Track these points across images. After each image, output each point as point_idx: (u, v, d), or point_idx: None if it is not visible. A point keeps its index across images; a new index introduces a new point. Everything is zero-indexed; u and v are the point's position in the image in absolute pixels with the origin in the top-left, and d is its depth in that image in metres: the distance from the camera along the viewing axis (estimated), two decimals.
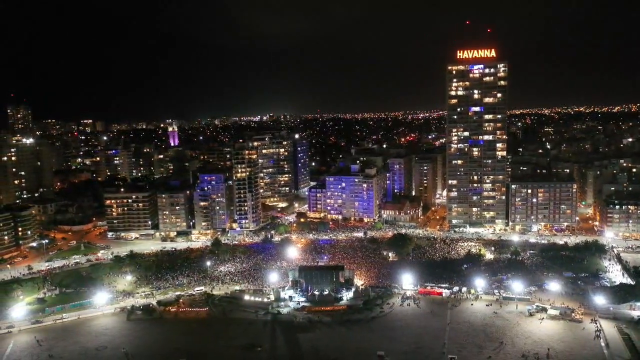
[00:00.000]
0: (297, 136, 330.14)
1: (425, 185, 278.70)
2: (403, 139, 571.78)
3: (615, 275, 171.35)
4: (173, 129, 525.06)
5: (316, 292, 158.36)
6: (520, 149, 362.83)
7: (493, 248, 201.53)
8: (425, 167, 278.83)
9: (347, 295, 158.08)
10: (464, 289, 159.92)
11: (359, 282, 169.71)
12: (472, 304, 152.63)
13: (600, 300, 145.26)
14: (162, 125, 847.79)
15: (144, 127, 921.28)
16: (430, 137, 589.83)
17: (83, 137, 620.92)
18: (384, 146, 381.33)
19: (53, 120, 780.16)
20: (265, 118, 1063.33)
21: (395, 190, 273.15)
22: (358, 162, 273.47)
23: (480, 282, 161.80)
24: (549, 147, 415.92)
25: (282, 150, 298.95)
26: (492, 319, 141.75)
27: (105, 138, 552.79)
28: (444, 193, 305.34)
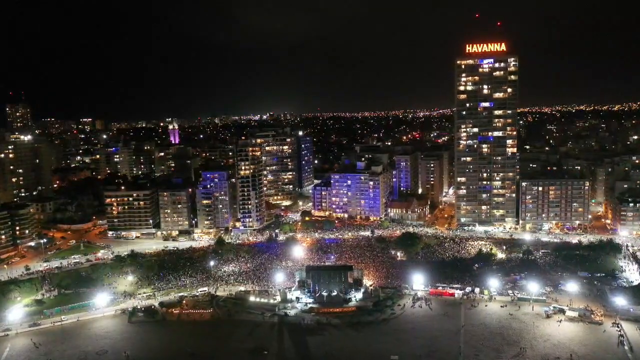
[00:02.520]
0: (300, 133, 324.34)
1: (432, 182, 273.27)
2: (405, 137, 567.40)
3: (632, 274, 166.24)
4: (174, 127, 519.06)
5: (324, 293, 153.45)
6: (528, 147, 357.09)
7: (504, 247, 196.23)
8: (432, 165, 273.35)
9: (356, 296, 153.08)
10: (477, 290, 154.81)
11: (367, 282, 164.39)
12: (486, 305, 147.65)
13: (620, 301, 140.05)
14: (161, 123, 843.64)
15: (144, 125, 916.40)
16: (432, 135, 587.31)
17: (83, 136, 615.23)
18: (389, 143, 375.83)
19: (52, 119, 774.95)
20: (265, 117, 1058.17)
21: (402, 188, 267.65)
22: (363, 159, 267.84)
23: (493, 283, 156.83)
24: (552, 143, 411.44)
25: (285, 147, 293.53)
26: (508, 321, 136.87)
27: (105, 136, 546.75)
28: (450, 191, 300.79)
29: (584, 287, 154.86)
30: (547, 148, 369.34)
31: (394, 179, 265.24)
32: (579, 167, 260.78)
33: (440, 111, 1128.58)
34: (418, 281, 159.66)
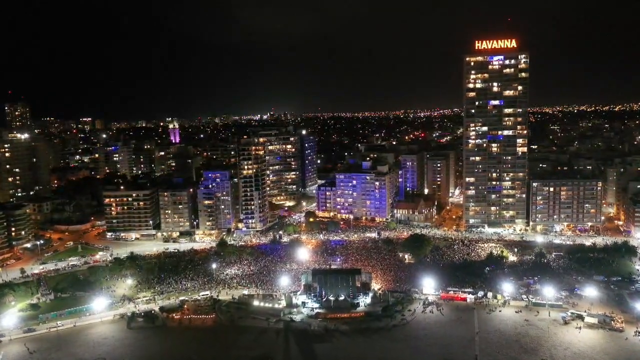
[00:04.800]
0: (304, 132, 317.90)
1: (439, 183, 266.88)
2: (409, 137, 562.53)
3: None
4: (174, 126, 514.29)
5: (331, 298, 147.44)
6: (535, 146, 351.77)
7: (516, 249, 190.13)
8: (438, 165, 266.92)
9: (364, 301, 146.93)
10: (490, 294, 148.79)
11: (376, 286, 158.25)
12: (500, 311, 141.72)
13: None
14: (161, 123, 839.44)
15: (144, 125, 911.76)
16: (435, 135, 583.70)
17: (82, 135, 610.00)
18: (394, 143, 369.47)
19: (52, 119, 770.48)
20: (265, 117, 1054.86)
21: (408, 189, 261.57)
22: (368, 159, 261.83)
23: (507, 287, 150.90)
24: (556, 143, 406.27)
25: (289, 146, 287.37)
26: (525, 328, 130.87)
27: (104, 136, 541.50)
28: (457, 191, 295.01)
29: (601, 292, 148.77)
30: (553, 148, 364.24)
31: (399, 179, 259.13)
32: (590, 167, 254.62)
33: (441, 111, 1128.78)
34: (428, 285, 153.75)
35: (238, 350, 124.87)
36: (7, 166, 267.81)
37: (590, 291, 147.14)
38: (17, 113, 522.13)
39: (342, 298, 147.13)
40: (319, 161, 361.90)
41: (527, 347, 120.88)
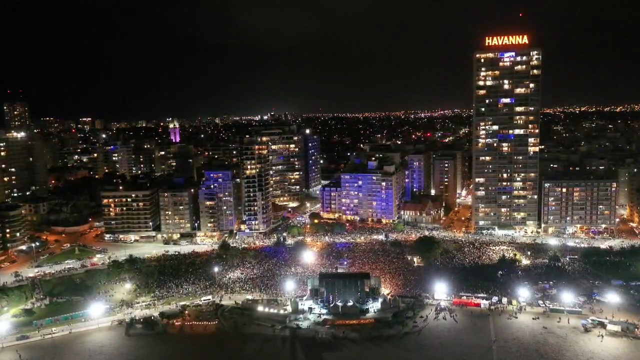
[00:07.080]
0: (307, 131, 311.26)
1: (446, 183, 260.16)
2: (414, 136, 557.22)
3: None
4: (174, 126, 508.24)
5: (339, 303, 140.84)
6: (542, 146, 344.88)
7: (528, 252, 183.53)
8: (446, 165, 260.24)
9: (374, 307, 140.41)
10: (505, 300, 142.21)
11: (385, 290, 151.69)
12: (516, 317, 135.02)
13: None
14: (162, 123, 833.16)
15: (144, 125, 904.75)
16: (437, 135, 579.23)
17: (81, 135, 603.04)
18: (399, 142, 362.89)
19: (51, 118, 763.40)
20: (265, 117, 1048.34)
21: (415, 189, 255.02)
22: (374, 158, 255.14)
23: (522, 292, 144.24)
24: (561, 144, 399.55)
25: (292, 146, 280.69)
26: (544, 336, 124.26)
27: (104, 136, 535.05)
28: (464, 192, 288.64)
29: (620, 297, 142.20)
30: (561, 148, 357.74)
31: (406, 180, 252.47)
32: (602, 167, 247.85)
33: (442, 112, 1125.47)
34: (440, 290, 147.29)
35: (242, 359, 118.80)
36: (3, 165, 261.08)
37: (611, 297, 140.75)
38: (16, 112, 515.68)
39: (350, 304, 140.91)
40: (322, 161, 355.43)
41: (547, 356, 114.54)
